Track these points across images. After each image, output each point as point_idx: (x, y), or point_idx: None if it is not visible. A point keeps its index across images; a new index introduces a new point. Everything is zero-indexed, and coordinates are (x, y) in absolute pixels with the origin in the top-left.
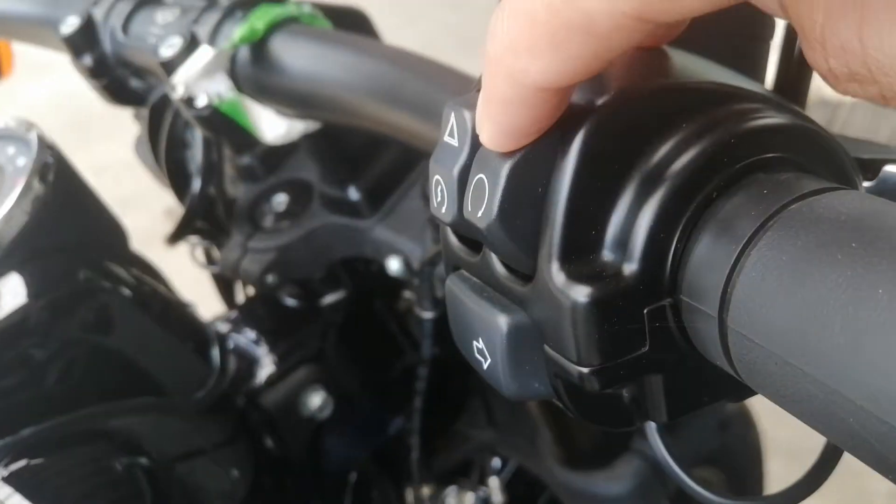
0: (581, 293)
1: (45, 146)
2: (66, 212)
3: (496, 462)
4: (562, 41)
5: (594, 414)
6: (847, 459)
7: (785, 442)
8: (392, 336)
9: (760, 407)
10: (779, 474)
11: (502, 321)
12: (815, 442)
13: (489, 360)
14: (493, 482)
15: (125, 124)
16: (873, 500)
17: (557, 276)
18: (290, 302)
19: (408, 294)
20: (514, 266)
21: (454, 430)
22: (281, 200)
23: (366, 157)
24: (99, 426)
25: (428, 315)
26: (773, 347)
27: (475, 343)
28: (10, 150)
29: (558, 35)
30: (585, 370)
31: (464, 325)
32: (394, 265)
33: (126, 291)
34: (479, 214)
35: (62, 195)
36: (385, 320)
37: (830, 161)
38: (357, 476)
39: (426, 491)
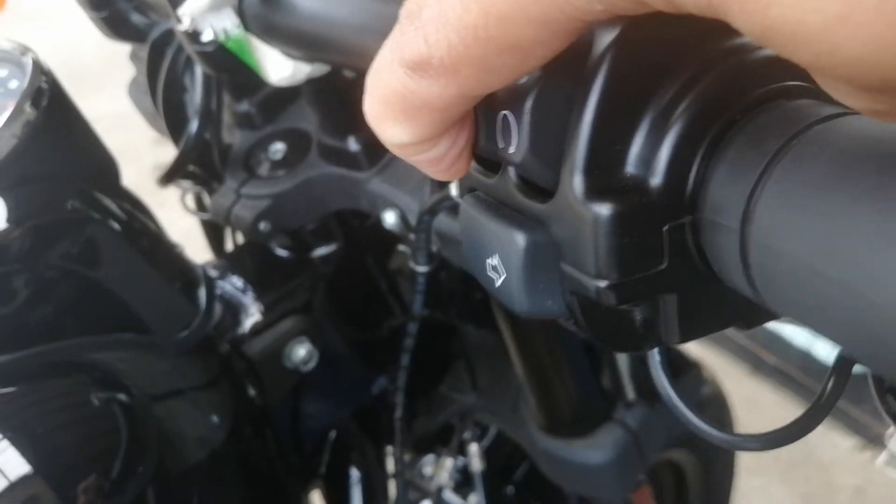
0: (603, 207)
1: (41, 71)
2: (58, 139)
3: (476, 431)
4: (411, 116)
5: (606, 333)
6: (814, 452)
7: (757, 430)
8: (381, 294)
9: (736, 396)
10: (748, 463)
11: (520, 237)
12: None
13: (503, 277)
14: (473, 449)
15: (117, 76)
16: (839, 494)
17: (580, 190)
18: (281, 252)
19: (402, 248)
20: (537, 183)
21: (437, 393)
22: (278, 149)
23: None
24: (77, 359)
25: (422, 269)
26: (797, 253)
27: (489, 260)
28: (4, 72)
29: (407, 112)
30: (603, 284)
31: (478, 242)
32: (389, 218)
33: (114, 224)
34: (512, 150)
35: (54, 122)
36: (375, 277)
37: None
38: (337, 435)
39: (406, 456)
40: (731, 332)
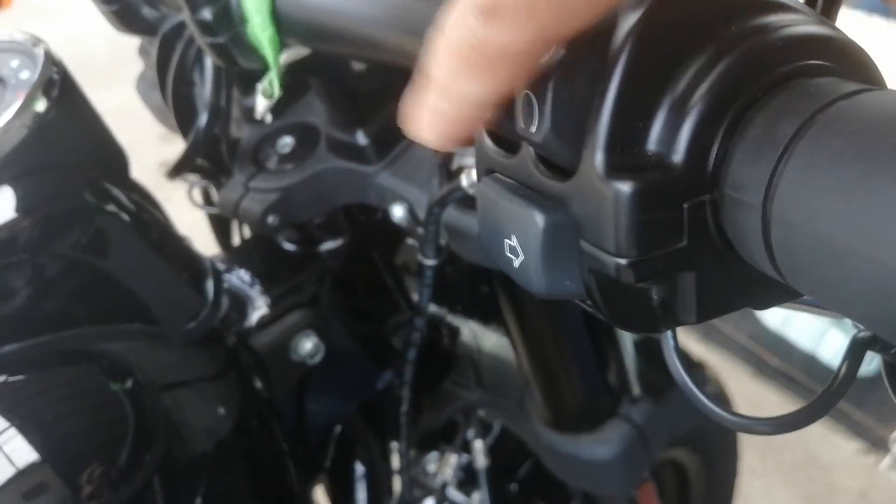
0: (624, 184)
1: (52, 62)
2: (68, 130)
3: (480, 427)
4: (487, 68)
5: (623, 313)
6: (817, 455)
7: (759, 437)
8: (387, 289)
9: (738, 397)
10: (751, 464)
11: (539, 217)
12: (787, 437)
13: (522, 257)
14: (478, 446)
15: (123, 72)
16: (842, 497)
17: (602, 167)
18: (288, 246)
19: (410, 241)
20: (557, 162)
21: (442, 389)
22: (286, 142)
23: (376, 102)
24: (85, 348)
25: (430, 262)
26: (820, 228)
27: (507, 241)
28: (15, 62)
29: (483, 64)
30: (623, 262)
31: (496, 223)
32: (398, 212)
33: (123, 215)
34: (533, 130)
35: (65, 113)
36: (381, 272)
37: (869, 72)
38: (342, 429)
39: (410, 452)
40: (733, 332)
